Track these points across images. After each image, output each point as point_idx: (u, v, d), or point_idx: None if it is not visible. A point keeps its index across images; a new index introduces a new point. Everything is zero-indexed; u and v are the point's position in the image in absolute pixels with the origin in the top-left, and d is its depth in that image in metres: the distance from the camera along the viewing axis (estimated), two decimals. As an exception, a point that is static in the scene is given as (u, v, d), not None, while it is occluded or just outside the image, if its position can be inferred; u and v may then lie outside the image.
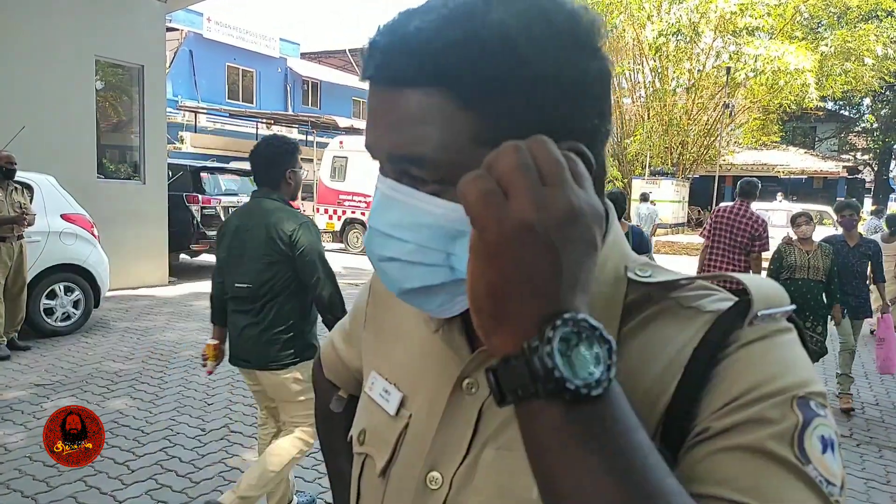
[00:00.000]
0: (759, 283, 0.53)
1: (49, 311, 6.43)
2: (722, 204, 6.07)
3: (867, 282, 5.43)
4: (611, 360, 0.40)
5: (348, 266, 12.84)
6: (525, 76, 0.48)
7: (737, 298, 0.54)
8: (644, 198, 14.29)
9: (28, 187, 6.33)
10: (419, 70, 0.49)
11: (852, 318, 5.24)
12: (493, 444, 0.57)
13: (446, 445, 0.59)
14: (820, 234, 5.50)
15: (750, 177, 5.84)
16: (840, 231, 5.50)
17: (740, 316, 0.51)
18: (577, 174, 0.43)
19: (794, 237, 5.05)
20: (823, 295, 4.94)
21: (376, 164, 0.56)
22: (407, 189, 0.52)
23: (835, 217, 5.62)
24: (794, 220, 5.10)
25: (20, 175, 6.14)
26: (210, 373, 3.09)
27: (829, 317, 5.01)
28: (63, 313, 6.53)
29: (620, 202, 5.72)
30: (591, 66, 0.51)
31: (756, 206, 5.69)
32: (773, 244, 5.32)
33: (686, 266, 11.71)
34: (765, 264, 5.35)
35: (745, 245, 5.37)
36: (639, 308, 0.56)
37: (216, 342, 3.00)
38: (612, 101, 0.55)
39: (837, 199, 5.86)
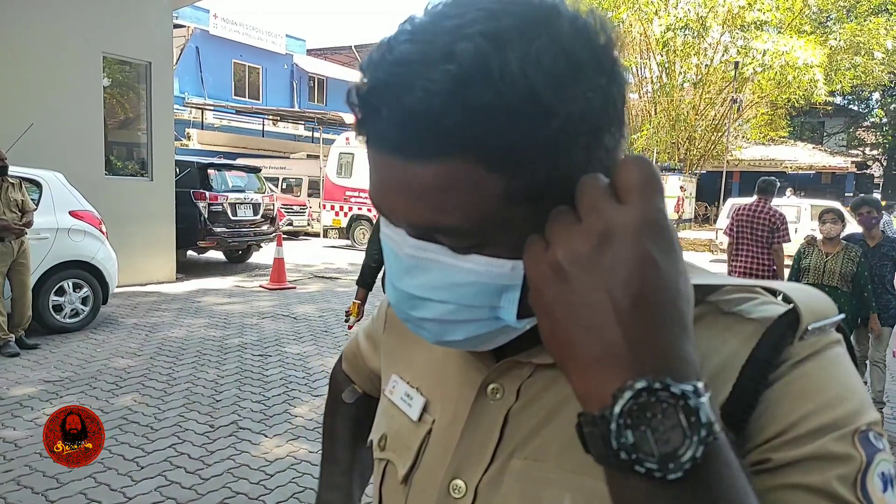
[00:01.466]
0: (803, 292, 0.51)
1: (58, 308, 6.45)
2: (733, 200, 6.13)
3: (891, 287, 4.80)
4: (699, 436, 0.35)
5: (354, 262, 12.85)
6: (553, 126, 0.43)
7: (780, 302, 0.51)
8: None
9: (36, 183, 6.34)
10: (437, 143, 0.43)
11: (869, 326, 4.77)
12: (521, 453, 0.55)
13: (470, 452, 0.57)
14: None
15: (767, 174, 5.84)
16: (860, 230, 5.01)
17: (790, 329, 0.49)
18: (624, 189, 0.41)
19: (819, 236, 4.75)
20: (843, 304, 4.51)
21: None
22: (439, 248, 0.48)
23: (845, 215, 5.34)
24: (821, 217, 4.78)
25: (28, 172, 6.16)
26: (351, 328, 4.15)
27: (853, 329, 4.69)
28: (72, 310, 6.55)
29: None
30: (612, 86, 0.46)
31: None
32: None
33: (696, 262, 11.57)
34: (788, 262, 5.23)
35: (766, 239, 5.43)
36: None
37: (359, 302, 4.01)
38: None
39: (859, 194, 5.28)
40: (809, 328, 0.48)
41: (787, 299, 0.51)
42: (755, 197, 5.61)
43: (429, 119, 0.43)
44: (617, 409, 0.36)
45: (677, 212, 19.14)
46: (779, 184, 5.72)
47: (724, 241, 14.95)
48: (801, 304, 0.49)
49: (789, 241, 5.43)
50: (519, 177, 0.45)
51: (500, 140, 0.43)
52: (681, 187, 17.81)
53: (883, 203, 18.99)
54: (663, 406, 0.36)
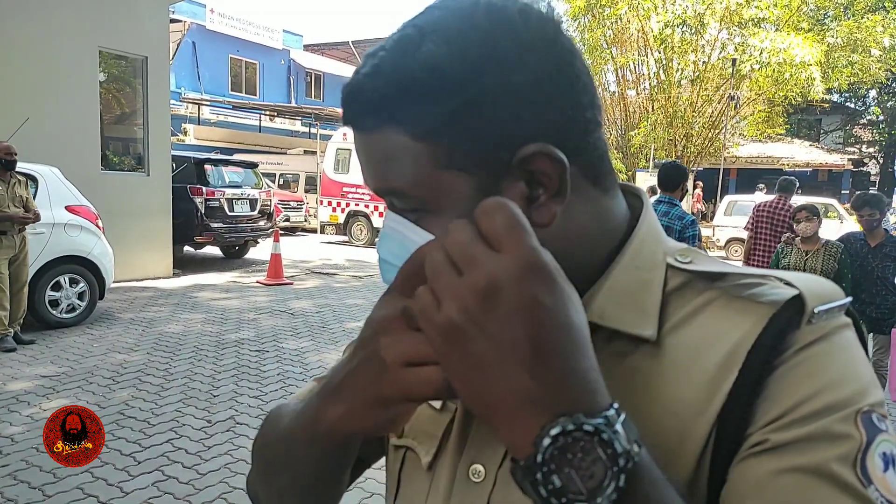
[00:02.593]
0: (806, 279, 0.52)
1: (54, 303, 6.44)
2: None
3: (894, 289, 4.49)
4: (618, 466, 0.37)
5: (352, 258, 12.84)
6: (468, 99, 0.49)
7: (789, 287, 0.51)
8: (654, 191, 14.31)
9: (32, 178, 6.31)
10: (372, 116, 0.52)
11: (874, 332, 4.53)
12: None
13: (488, 438, 0.58)
14: (829, 228, 5.19)
15: (764, 171, 6.08)
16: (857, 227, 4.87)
17: (796, 315, 0.50)
18: (493, 237, 0.40)
19: (798, 236, 4.64)
20: None
21: None
22: (399, 219, 0.55)
23: (842, 212, 5.31)
24: (795, 216, 4.66)
25: (25, 166, 6.13)
26: None
27: None
28: (68, 305, 6.54)
29: (679, 175, 4.76)
30: (547, 63, 0.50)
31: (761, 198, 5.81)
32: None
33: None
34: None
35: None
36: (682, 298, 0.55)
37: None
38: (592, 86, 0.54)
39: (857, 192, 4.93)
40: (816, 311, 0.49)
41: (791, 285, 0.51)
42: (776, 195, 5.96)
43: (360, 96, 0.52)
44: (539, 457, 0.37)
45: (694, 210, 19.13)
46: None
47: (720, 238, 15.03)
48: (804, 289, 0.50)
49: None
50: (442, 145, 0.50)
51: (417, 112, 0.50)
52: (696, 183, 17.78)
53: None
54: (581, 444, 0.37)
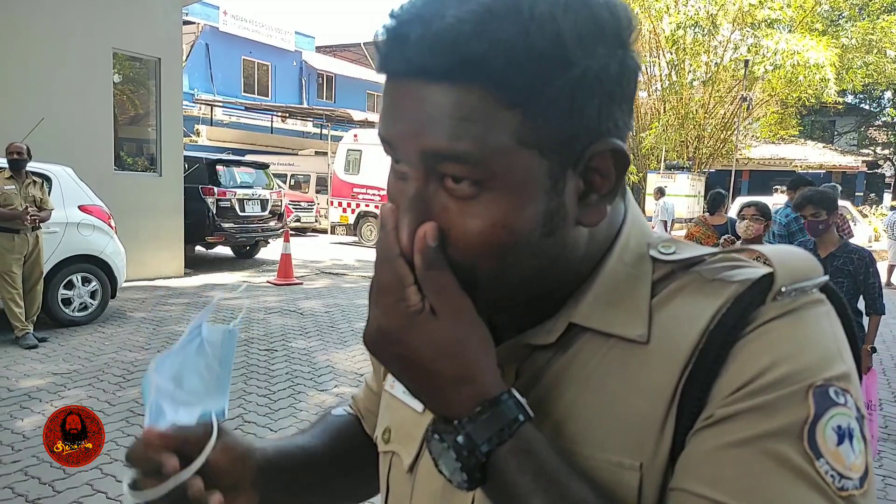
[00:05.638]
0: (785, 254, 0.51)
1: (66, 302, 6.50)
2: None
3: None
4: (460, 462, 0.49)
5: (361, 259, 12.87)
6: (572, 77, 0.45)
7: (765, 266, 0.51)
8: (662, 192, 14.27)
9: (46, 178, 6.38)
10: (460, 67, 0.44)
11: None
12: None
13: None
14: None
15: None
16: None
17: (762, 293, 0.49)
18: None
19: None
20: None
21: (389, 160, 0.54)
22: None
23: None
24: (739, 213, 4.08)
25: (38, 166, 6.20)
26: None
27: None
28: (80, 303, 6.60)
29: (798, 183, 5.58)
30: (628, 61, 0.49)
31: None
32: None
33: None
34: None
35: None
36: (664, 284, 0.55)
37: None
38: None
39: (802, 189, 4.07)
40: (784, 289, 0.49)
41: (769, 263, 0.51)
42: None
43: (455, 45, 0.44)
44: (426, 447, 0.53)
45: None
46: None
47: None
48: (778, 266, 0.49)
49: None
50: (531, 119, 0.46)
51: (519, 76, 0.45)
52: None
53: (894, 202, 18.73)
54: (442, 444, 0.50)
